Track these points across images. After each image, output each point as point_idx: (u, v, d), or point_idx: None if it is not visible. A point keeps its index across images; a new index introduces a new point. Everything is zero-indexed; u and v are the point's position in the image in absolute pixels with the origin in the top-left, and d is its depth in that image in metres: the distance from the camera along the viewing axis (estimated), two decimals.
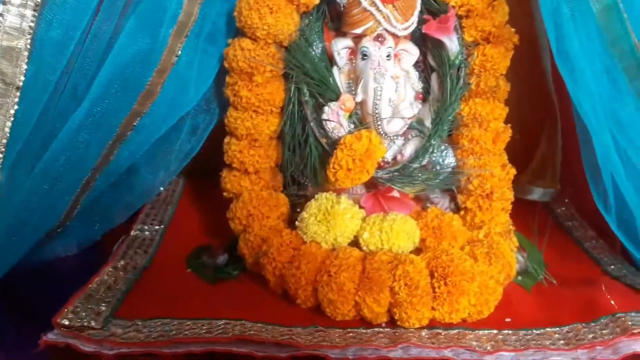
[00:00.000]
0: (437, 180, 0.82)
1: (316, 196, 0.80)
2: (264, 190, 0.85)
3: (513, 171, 0.84)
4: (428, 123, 0.83)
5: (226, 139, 0.86)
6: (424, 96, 0.85)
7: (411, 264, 0.72)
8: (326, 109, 0.79)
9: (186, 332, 0.66)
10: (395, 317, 0.71)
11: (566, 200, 1.04)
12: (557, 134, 1.02)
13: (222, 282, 0.81)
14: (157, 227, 0.92)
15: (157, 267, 0.82)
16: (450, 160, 0.83)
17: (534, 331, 0.72)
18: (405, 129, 0.81)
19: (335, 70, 0.82)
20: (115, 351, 0.64)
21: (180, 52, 0.76)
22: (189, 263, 0.85)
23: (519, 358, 0.68)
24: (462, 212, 0.84)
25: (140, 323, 0.69)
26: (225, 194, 0.87)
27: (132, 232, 0.89)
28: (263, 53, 0.80)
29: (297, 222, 0.80)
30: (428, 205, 0.85)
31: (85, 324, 0.67)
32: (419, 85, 0.85)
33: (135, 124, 0.76)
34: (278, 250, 0.76)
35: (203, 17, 0.77)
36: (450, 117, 0.82)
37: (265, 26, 0.78)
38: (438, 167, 0.83)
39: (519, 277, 0.83)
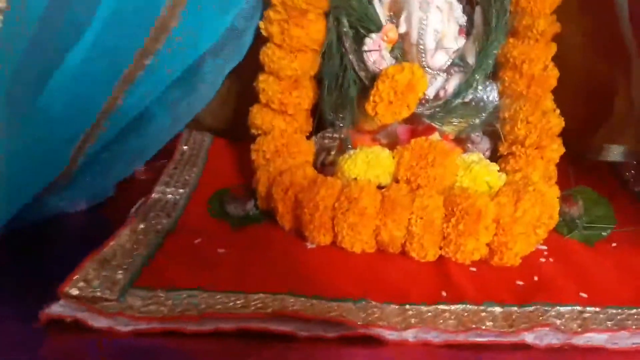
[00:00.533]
0: (480, 119, 0.79)
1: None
2: (297, 133, 0.80)
3: (559, 121, 0.77)
4: (471, 60, 0.79)
5: (262, 77, 0.79)
6: (468, 31, 0.79)
7: (430, 198, 0.69)
8: (367, 40, 0.75)
9: (218, 307, 0.56)
10: (406, 249, 0.69)
11: (635, 162, 0.92)
12: (634, 82, 0.88)
13: (250, 230, 0.74)
14: (181, 189, 0.82)
15: (183, 233, 0.72)
16: (494, 96, 0.80)
17: (626, 310, 0.61)
18: (449, 63, 0.77)
19: (376, 1, 0.78)
20: (131, 327, 0.54)
21: None
22: (211, 209, 0.78)
23: (615, 341, 0.56)
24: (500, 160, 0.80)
25: (163, 295, 0.58)
26: (253, 130, 0.82)
27: (154, 194, 0.79)
28: None
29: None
30: (469, 146, 0.81)
31: (99, 294, 0.56)
32: (462, 19, 0.79)
33: (146, 62, 0.65)
34: (295, 175, 0.72)
35: None
36: (495, 51, 0.78)
37: None
38: (482, 104, 0.79)
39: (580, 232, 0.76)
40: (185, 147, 0.92)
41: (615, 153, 0.91)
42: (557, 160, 0.80)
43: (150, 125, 0.74)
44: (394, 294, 0.61)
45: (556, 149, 0.79)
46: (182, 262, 0.65)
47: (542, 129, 0.78)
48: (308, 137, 0.84)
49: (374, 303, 0.59)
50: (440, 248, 0.70)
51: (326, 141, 0.85)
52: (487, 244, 0.69)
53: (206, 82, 0.76)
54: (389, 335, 0.55)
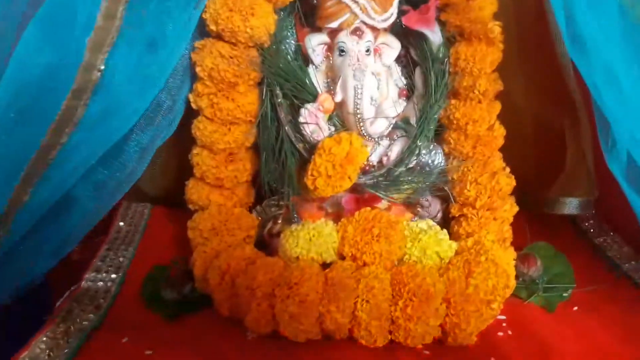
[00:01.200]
0: (426, 183, 0.76)
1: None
2: (236, 207, 0.76)
3: (509, 181, 0.75)
4: (414, 121, 0.76)
5: (196, 151, 0.75)
6: (409, 93, 0.77)
7: (375, 279, 0.65)
8: (303, 110, 0.71)
9: None
10: (354, 335, 0.64)
11: (593, 212, 0.90)
12: (583, 132, 0.86)
13: (185, 320, 0.68)
14: (113, 274, 0.76)
15: (109, 330, 0.66)
16: (440, 160, 0.77)
17: None
18: (390, 129, 0.74)
19: (311, 69, 0.75)
20: None
21: (103, 66, 0.59)
22: (145, 294, 0.72)
23: None
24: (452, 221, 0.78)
25: None
26: (190, 205, 0.77)
27: (83, 282, 0.73)
28: (245, 59, 0.70)
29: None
30: (419, 210, 0.78)
31: None
32: (402, 82, 0.78)
33: (51, 158, 0.60)
34: (232, 257, 0.67)
35: (135, 21, 0.61)
36: (436, 115, 0.75)
37: (248, 29, 0.70)
38: (427, 169, 0.76)
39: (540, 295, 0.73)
40: (121, 224, 0.86)
41: (570, 206, 0.88)
42: (511, 220, 0.78)
43: (73, 211, 0.68)
44: None
45: (509, 209, 0.77)
46: None
47: (493, 189, 0.75)
48: (251, 207, 0.80)
49: None
50: (390, 332, 0.65)
51: (272, 209, 0.81)
52: (440, 325, 0.65)
53: (133, 160, 0.71)
54: None
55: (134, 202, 0.91)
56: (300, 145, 0.72)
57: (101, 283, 0.74)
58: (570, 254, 0.81)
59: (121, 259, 0.79)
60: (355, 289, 0.64)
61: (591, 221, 0.91)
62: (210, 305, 0.70)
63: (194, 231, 0.75)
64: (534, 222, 0.86)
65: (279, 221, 0.78)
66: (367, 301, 0.63)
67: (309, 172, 0.68)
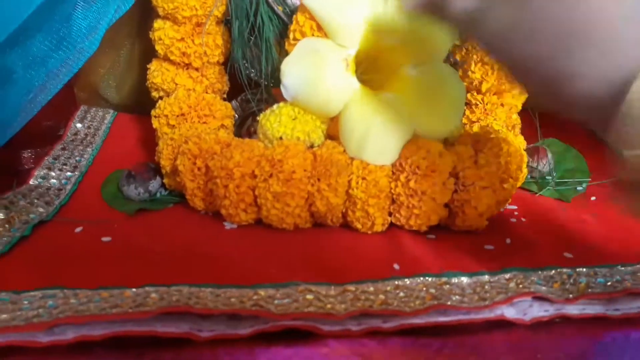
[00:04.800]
0: None
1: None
2: (208, 92, 0.64)
3: None
4: None
5: (157, 24, 0.64)
6: None
7: None
8: None
9: (80, 307, 0.40)
10: (348, 219, 0.56)
11: None
12: None
13: (153, 215, 0.59)
14: (69, 173, 0.66)
15: (60, 223, 0.56)
16: None
17: (621, 268, 0.49)
18: None
19: None
20: None
21: None
22: (106, 193, 0.62)
23: (616, 307, 0.44)
24: None
25: (8, 297, 0.41)
26: (154, 93, 0.67)
27: (31, 180, 0.63)
28: None
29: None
30: None
31: None
32: None
33: None
34: (204, 141, 0.57)
35: None
36: None
37: None
38: None
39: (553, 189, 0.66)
40: (79, 126, 0.76)
41: None
42: (519, 108, 0.69)
43: (9, 85, 0.57)
44: (331, 273, 0.47)
45: (517, 95, 0.68)
46: (49, 257, 0.48)
47: (501, 70, 0.66)
48: (227, 101, 0.70)
49: (304, 286, 0.44)
50: (390, 214, 0.56)
51: (250, 105, 0.71)
52: (446, 205, 0.56)
53: (82, 32, 0.60)
54: (324, 325, 0.40)
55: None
56: (279, 9, 0.62)
57: (54, 181, 0.64)
58: (583, 151, 0.74)
59: (78, 159, 0.69)
60: (349, 164, 0.55)
61: None
62: (181, 204, 0.61)
63: (159, 119, 0.65)
64: (542, 118, 0.78)
65: (259, 118, 0.69)
66: (364, 178, 0.54)
67: (291, 35, 0.58)
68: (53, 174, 0.65)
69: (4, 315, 0.39)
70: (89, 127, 0.76)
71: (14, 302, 0.41)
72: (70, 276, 0.44)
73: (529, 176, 0.68)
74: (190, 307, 0.39)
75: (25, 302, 0.41)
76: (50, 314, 0.39)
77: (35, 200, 0.59)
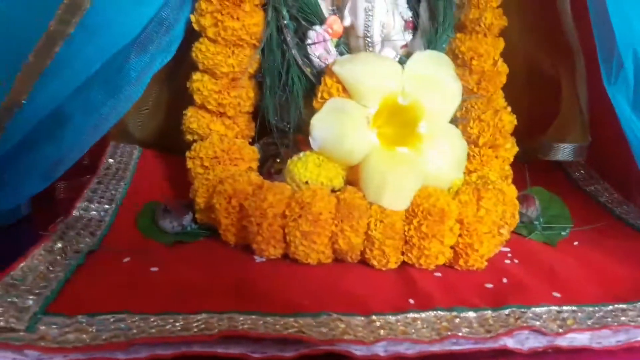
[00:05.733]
0: None
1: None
2: (238, 138, 0.73)
3: (511, 119, 0.75)
4: None
5: (196, 76, 0.71)
6: (415, 24, 0.75)
7: None
8: (311, 33, 0.69)
9: (152, 331, 0.46)
10: (366, 256, 0.63)
11: (583, 162, 0.92)
12: (578, 76, 0.88)
13: (188, 247, 0.66)
14: (106, 205, 0.72)
15: (108, 251, 0.62)
16: None
17: (602, 308, 0.57)
18: (397, 59, 0.72)
19: None
20: None
21: None
22: (142, 226, 0.69)
23: (598, 340, 0.52)
24: None
25: (84, 320, 0.48)
26: (188, 136, 0.74)
27: (74, 212, 0.69)
28: None
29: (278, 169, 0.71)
30: None
31: (2, 323, 0.45)
32: (408, 13, 0.76)
33: (56, 50, 0.56)
34: (238, 182, 0.64)
35: None
36: (444, 45, 0.75)
37: None
38: None
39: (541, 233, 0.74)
40: (111, 161, 0.82)
41: (565, 152, 0.89)
42: (512, 160, 0.78)
43: (67, 129, 0.64)
44: (356, 305, 0.54)
45: (510, 148, 0.77)
46: (108, 283, 0.55)
47: (495, 127, 0.76)
48: (250, 144, 0.77)
49: (335, 315, 0.51)
50: (403, 254, 0.64)
51: (271, 147, 0.79)
52: (451, 247, 0.64)
53: (131, 82, 0.67)
54: (357, 350, 0.47)
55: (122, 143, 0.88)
56: (307, 70, 0.70)
57: (94, 212, 0.70)
58: (565, 199, 0.83)
59: (113, 192, 0.75)
60: (369, 208, 0.63)
61: (581, 170, 0.93)
62: (210, 237, 0.68)
63: (193, 161, 0.71)
64: (530, 167, 0.87)
65: (279, 159, 0.77)
66: (381, 221, 0.62)
67: (319, 94, 0.66)
68: (92, 206, 0.71)
69: (84, 336, 0.45)
70: (119, 162, 0.83)
71: (89, 324, 0.47)
72: (132, 301, 0.50)
73: (519, 221, 0.76)
74: (247, 332, 0.46)
75: (99, 324, 0.47)
76: (126, 335, 0.45)
77: (82, 231, 0.65)
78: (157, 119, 0.90)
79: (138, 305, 0.50)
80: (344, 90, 0.66)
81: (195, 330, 0.46)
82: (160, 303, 0.51)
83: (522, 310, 0.55)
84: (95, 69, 0.61)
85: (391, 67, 0.67)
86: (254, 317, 0.50)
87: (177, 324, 0.47)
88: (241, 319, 0.49)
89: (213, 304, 0.51)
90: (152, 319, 0.48)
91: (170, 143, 0.84)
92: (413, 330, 0.50)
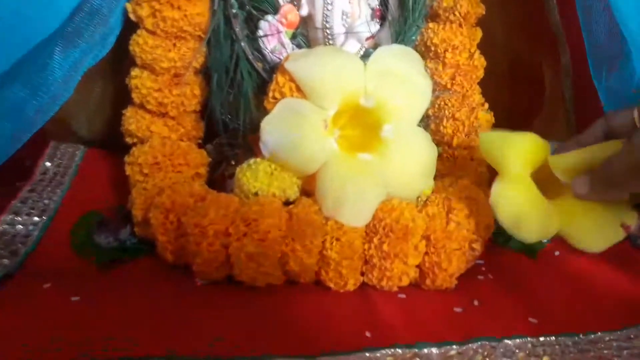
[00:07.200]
0: None
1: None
2: (183, 140, 0.65)
3: (488, 117, 0.69)
4: None
5: (135, 73, 0.64)
6: (383, 13, 0.68)
7: None
8: (263, 23, 0.62)
9: None
10: (321, 277, 0.56)
11: None
12: (563, 71, 0.81)
13: (123, 267, 0.59)
14: (36, 217, 0.64)
15: (28, 276, 0.55)
16: None
17: (584, 337, 0.51)
18: (361, 53, 0.66)
19: None
20: None
21: None
22: (75, 240, 0.61)
23: None
24: None
25: None
26: (127, 139, 0.67)
27: None
28: None
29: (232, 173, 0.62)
30: None
31: None
32: (375, 1, 0.68)
33: None
34: (178, 193, 0.57)
35: None
36: (414, 37, 0.69)
37: None
38: None
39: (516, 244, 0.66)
40: (48, 164, 0.74)
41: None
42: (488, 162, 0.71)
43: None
44: (304, 343, 0.47)
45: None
46: (17, 315, 0.47)
47: (471, 126, 0.69)
48: (201, 146, 0.70)
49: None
50: (362, 274, 0.57)
51: (225, 149, 0.71)
52: (417, 265, 0.57)
53: (57, 80, 0.59)
54: None
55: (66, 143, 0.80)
56: (258, 65, 0.62)
57: (20, 227, 0.62)
58: None
59: (46, 201, 0.67)
60: (324, 225, 0.56)
61: None
62: (151, 254, 0.61)
63: (132, 167, 0.64)
64: None
65: (233, 162, 0.70)
66: (338, 239, 0.55)
67: (271, 94, 0.59)
68: (20, 219, 0.63)
69: None
70: (58, 166, 0.74)
71: None
72: (37, 343, 0.43)
73: (495, 228, 0.69)
74: None
75: None
76: None
77: (1, 251, 0.57)
78: (104, 115, 0.81)
79: (42, 344, 0.43)
80: (298, 89, 0.58)
81: None
82: (69, 342, 0.44)
83: (493, 344, 0.49)
84: (9, 65, 0.53)
85: (352, 63, 0.59)
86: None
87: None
88: None
89: (129, 343, 0.44)
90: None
91: (119, 142, 0.76)
92: None
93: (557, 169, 0.57)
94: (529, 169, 0.57)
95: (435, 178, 0.67)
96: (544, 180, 0.59)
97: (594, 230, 0.58)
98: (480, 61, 0.70)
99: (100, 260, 0.58)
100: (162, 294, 0.54)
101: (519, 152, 0.56)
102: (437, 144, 0.69)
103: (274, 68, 0.61)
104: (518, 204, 0.55)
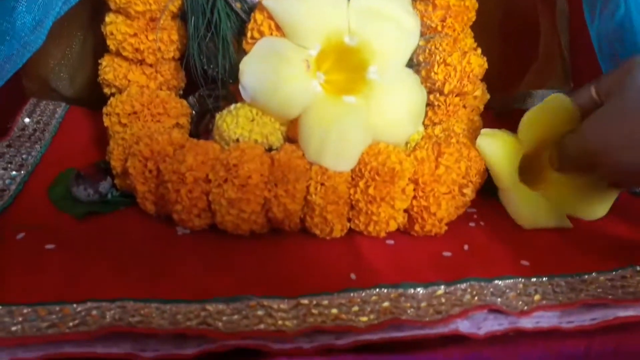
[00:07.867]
0: None
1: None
2: (162, 89, 0.62)
3: (481, 62, 0.64)
4: None
5: (109, 18, 0.61)
6: None
7: None
8: None
9: (14, 329, 0.37)
10: (306, 225, 0.54)
11: None
12: (559, 14, 0.78)
13: (102, 219, 0.56)
14: (14, 172, 0.62)
15: (4, 226, 0.53)
16: None
17: (577, 278, 0.49)
18: None
19: None
20: None
21: None
22: (54, 195, 0.59)
23: (570, 319, 0.44)
24: None
25: None
26: (106, 89, 0.64)
27: None
28: None
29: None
30: None
31: None
32: None
33: None
34: (156, 142, 0.54)
35: None
36: None
37: None
38: None
39: None
40: (27, 120, 0.72)
41: (544, 98, 0.79)
42: (482, 109, 0.68)
43: None
44: (285, 285, 0.45)
45: (480, 96, 0.67)
46: None
47: (463, 71, 0.65)
48: (184, 97, 0.67)
49: (255, 300, 0.43)
50: (349, 220, 0.55)
51: (209, 100, 0.69)
52: (405, 210, 0.55)
53: (26, 25, 0.56)
54: (275, 344, 0.39)
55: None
56: (237, 5, 0.59)
57: None
58: None
59: (25, 156, 0.65)
60: (308, 170, 0.54)
61: None
62: (133, 205, 0.59)
63: (110, 117, 0.61)
64: (504, 119, 0.78)
65: (218, 114, 0.67)
66: (322, 184, 0.53)
67: (249, 34, 0.56)
68: None
69: None
70: (37, 122, 0.72)
71: None
72: (8, 290, 0.42)
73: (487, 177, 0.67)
74: (132, 328, 0.37)
75: None
76: None
77: None
78: (85, 72, 0.79)
79: (12, 295, 0.41)
80: (278, 28, 0.55)
81: (70, 325, 0.37)
82: (40, 291, 0.42)
83: (482, 283, 0.47)
84: None
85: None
86: (153, 305, 0.41)
87: (49, 319, 0.38)
88: (134, 306, 0.40)
89: (105, 289, 0.42)
90: (24, 310, 0.39)
91: (103, 98, 0.74)
92: (347, 315, 0.42)
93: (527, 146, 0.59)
94: (516, 169, 0.59)
95: (427, 126, 0.65)
96: (533, 163, 0.61)
97: (589, 201, 0.59)
98: (471, 2, 0.66)
99: (79, 214, 0.56)
100: (141, 243, 0.52)
101: (501, 166, 0.58)
102: (429, 91, 0.66)
103: (253, 8, 0.58)
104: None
